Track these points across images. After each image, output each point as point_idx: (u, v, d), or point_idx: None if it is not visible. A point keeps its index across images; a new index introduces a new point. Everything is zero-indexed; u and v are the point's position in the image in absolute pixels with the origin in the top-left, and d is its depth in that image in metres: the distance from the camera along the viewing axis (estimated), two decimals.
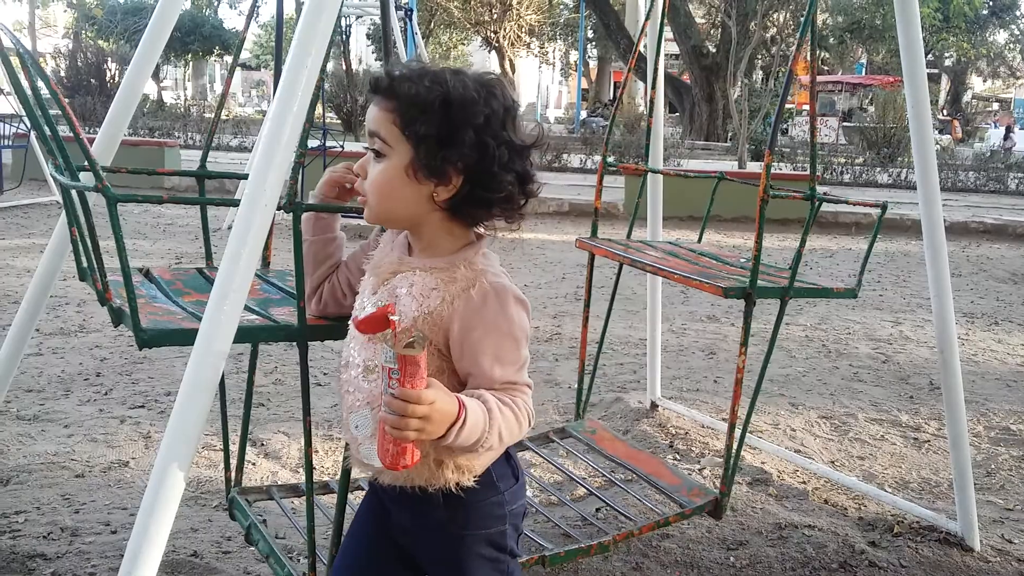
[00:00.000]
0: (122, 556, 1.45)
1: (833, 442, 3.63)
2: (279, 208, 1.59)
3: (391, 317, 1.19)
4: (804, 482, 3.16)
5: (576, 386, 4.06)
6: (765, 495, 3.01)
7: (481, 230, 1.46)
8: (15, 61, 1.75)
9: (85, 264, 1.78)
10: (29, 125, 1.69)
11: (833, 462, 3.41)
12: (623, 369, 4.46)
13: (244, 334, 1.73)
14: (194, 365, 1.49)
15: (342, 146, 8.70)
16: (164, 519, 1.48)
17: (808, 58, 2.43)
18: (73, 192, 1.65)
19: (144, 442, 3.27)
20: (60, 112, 1.63)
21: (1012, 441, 3.72)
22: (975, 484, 3.15)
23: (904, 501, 2.98)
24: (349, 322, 1.48)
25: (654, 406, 3.81)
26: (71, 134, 1.63)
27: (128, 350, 4.37)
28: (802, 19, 2.39)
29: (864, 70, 35.53)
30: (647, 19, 3.24)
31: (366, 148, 1.45)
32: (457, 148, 1.34)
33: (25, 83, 1.62)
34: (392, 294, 1.41)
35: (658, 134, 3.46)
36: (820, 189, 2.55)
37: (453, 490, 1.39)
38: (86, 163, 1.62)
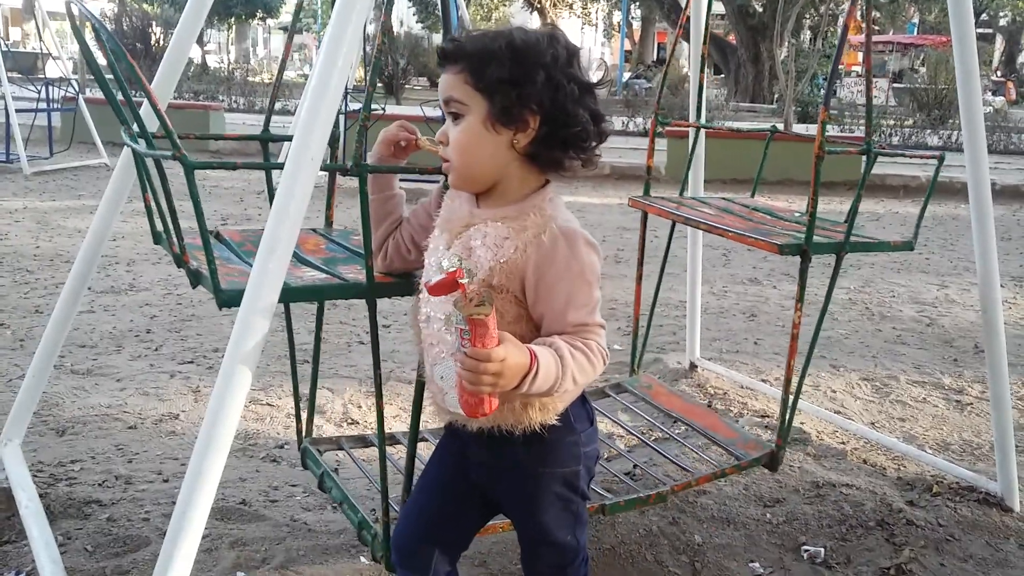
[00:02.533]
0: (174, 503, 1.52)
1: (874, 404, 3.62)
2: (345, 173, 1.64)
3: (460, 280, 1.25)
4: (843, 443, 3.16)
5: (617, 347, 4.10)
6: (803, 454, 3.02)
7: (550, 176, 1.50)
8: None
9: (160, 228, 1.85)
10: (104, 97, 1.77)
11: (873, 423, 3.40)
12: (662, 331, 4.46)
13: (315, 292, 1.79)
14: (244, 317, 1.54)
15: (383, 109, 8.72)
16: (214, 466, 1.54)
17: (863, 15, 2.40)
18: (149, 159, 1.71)
19: (193, 396, 3.37)
20: (127, 82, 1.68)
21: None
22: (1020, 447, 3.13)
23: (944, 462, 2.97)
24: (421, 281, 1.55)
25: (693, 367, 3.82)
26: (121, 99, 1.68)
27: (177, 308, 4.48)
28: None
29: (916, 30, 34.63)
30: None
31: (441, 116, 1.50)
32: (530, 88, 1.38)
33: (97, 52, 1.68)
34: (466, 247, 1.45)
35: (703, 90, 3.45)
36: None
37: (536, 429, 1.46)
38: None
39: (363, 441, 2.54)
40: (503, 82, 1.38)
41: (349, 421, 3.21)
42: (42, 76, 10.28)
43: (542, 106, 1.40)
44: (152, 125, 1.84)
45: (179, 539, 1.50)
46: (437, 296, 1.35)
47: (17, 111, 8.81)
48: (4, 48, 11.51)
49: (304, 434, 2.42)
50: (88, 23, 1.72)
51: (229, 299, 1.67)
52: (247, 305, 1.54)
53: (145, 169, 1.80)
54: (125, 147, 2.33)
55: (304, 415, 2.42)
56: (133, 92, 1.78)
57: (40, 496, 2.42)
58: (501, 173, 1.45)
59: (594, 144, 1.47)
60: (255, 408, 3.25)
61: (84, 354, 3.77)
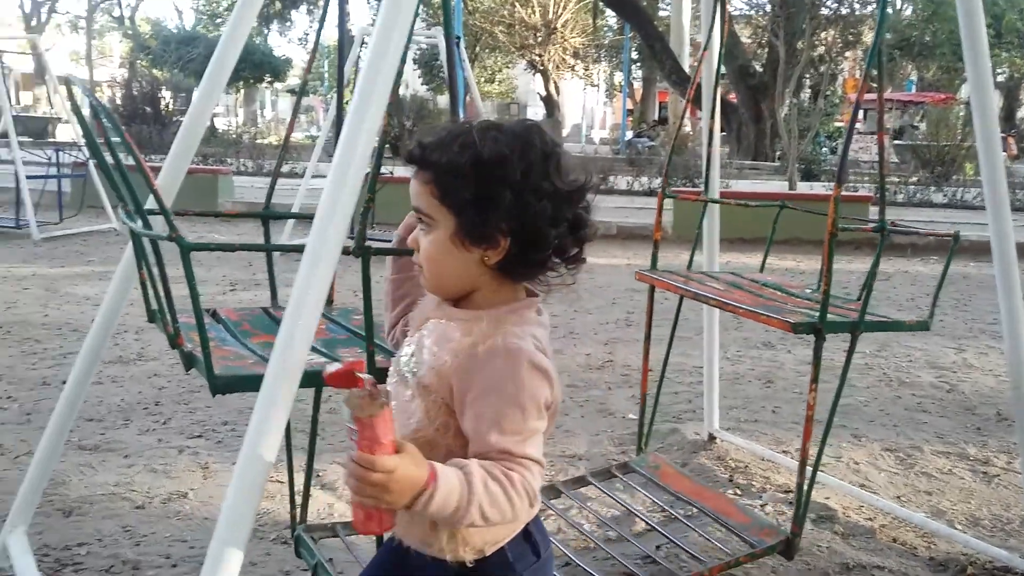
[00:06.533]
0: None
1: (899, 476, 3.53)
2: (347, 253, 1.59)
3: (357, 374, 1.14)
4: (871, 519, 3.07)
5: (632, 416, 4.02)
6: (831, 533, 2.93)
7: (534, 287, 1.40)
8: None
9: (155, 307, 1.80)
10: (104, 176, 1.74)
11: (899, 497, 3.31)
12: (678, 398, 4.39)
13: (312, 379, 1.73)
14: (261, 412, 1.48)
15: (391, 172, 8.74)
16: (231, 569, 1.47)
17: (873, 78, 2.38)
18: (145, 239, 1.67)
19: (202, 472, 3.29)
20: (131, 159, 1.65)
21: None
22: None
23: (975, 540, 2.87)
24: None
25: (711, 438, 3.74)
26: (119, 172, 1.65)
27: (186, 379, 4.41)
28: (851, 38, 2.37)
29: (914, 87, 35.02)
30: (704, 49, 3.21)
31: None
32: (497, 210, 1.29)
33: (91, 126, 1.65)
34: (420, 342, 1.38)
35: (715, 163, 3.42)
36: (876, 210, 2.53)
37: (466, 562, 1.32)
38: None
39: None
40: (468, 203, 1.29)
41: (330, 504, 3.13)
42: (53, 140, 10.39)
43: (511, 226, 1.30)
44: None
45: None
46: (331, 386, 1.20)
47: (27, 177, 8.87)
48: (15, 113, 11.63)
49: (298, 520, 2.34)
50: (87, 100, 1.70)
51: (223, 385, 1.61)
52: (266, 398, 1.48)
53: (140, 246, 1.76)
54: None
55: (299, 499, 2.35)
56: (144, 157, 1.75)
57: None
58: (473, 285, 1.37)
59: (575, 254, 1.37)
60: (267, 486, 3.17)
61: (92, 428, 3.71)
